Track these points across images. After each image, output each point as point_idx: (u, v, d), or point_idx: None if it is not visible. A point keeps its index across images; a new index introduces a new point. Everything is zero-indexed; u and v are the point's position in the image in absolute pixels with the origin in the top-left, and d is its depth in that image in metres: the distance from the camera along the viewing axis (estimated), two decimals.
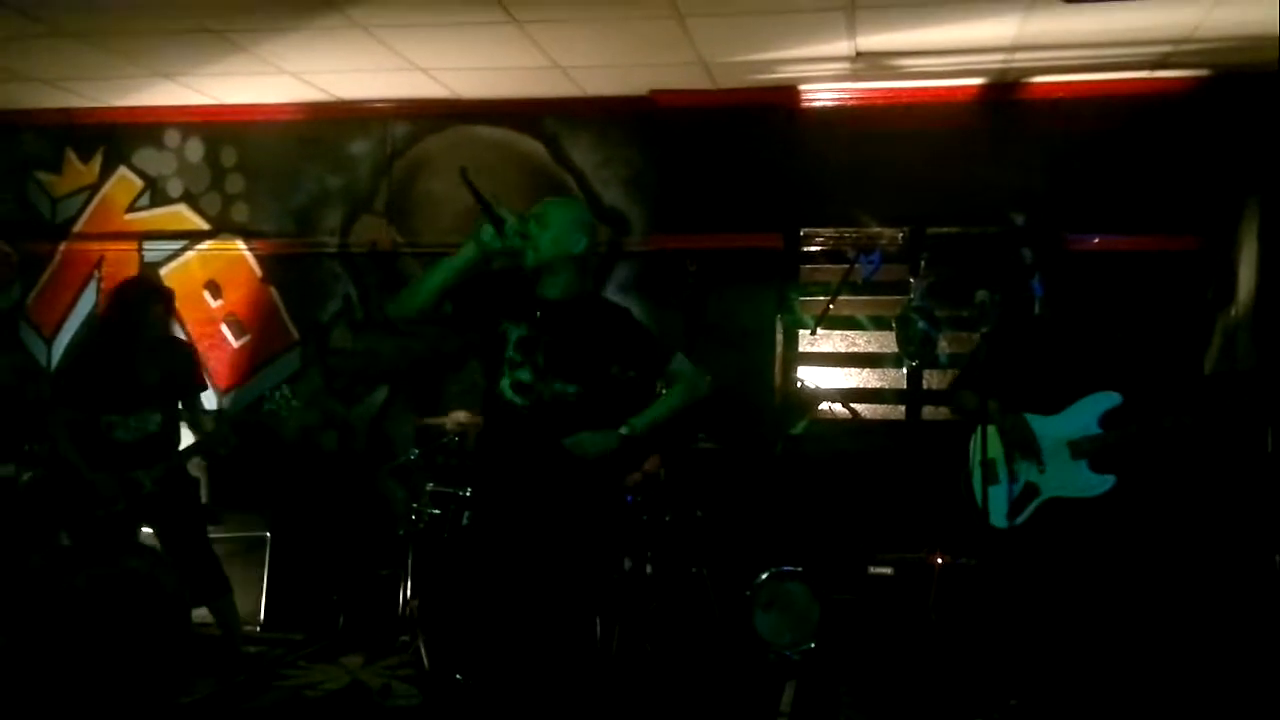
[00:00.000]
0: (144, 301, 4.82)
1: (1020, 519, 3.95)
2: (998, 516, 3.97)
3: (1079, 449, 3.92)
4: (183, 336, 6.51)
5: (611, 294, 6.23)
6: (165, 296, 4.96)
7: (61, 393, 4.82)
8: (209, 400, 6.68)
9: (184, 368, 4.98)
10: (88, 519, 4.62)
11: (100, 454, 4.67)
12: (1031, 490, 3.97)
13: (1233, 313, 5.50)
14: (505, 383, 3.50)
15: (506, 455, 3.54)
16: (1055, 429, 3.98)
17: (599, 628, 3.88)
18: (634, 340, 3.66)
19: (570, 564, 3.50)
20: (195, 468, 5.58)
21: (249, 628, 5.62)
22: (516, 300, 3.55)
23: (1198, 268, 5.55)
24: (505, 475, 3.54)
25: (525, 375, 3.49)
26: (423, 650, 4.75)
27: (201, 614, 4.93)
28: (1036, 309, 4.18)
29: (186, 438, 4.99)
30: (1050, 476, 3.96)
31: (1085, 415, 3.95)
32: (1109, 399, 3.93)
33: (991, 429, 4.02)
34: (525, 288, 3.55)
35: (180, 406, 4.94)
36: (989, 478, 4.02)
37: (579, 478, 3.49)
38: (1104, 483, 3.89)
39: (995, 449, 4.00)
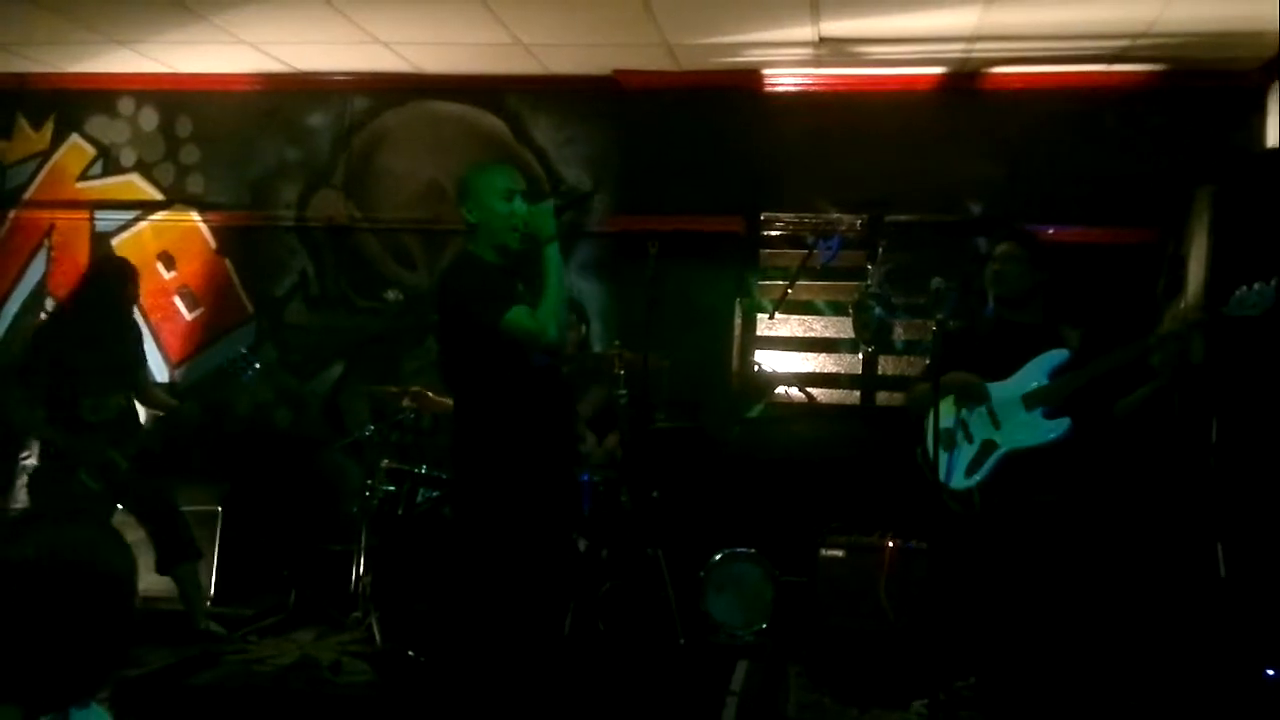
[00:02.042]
0: (120, 281, 4.88)
1: (979, 476, 3.99)
2: (957, 478, 4.00)
3: (1033, 399, 3.97)
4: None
5: (573, 274, 6.23)
6: (134, 275, 5.02)
7: (39, 381, 4.63)
8: (158, 373, 6.63)
9: (138, 347, 5.02)
10: (70, 493, 4.51)
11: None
12: (989, 446, 4.00)
13: (1182, 305, 5.58)
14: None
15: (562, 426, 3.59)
16: (1007, 390, 4.02)
17: (555, 608, 3.88)
18: None
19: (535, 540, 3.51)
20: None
21: None
22: (521, 275, 3.50)
23: (1152, 260, 5.63)
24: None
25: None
26: (375, 627, 4.76)
27: (164, 587, 4.87)
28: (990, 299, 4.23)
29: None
30: (1006, 430, 3.99)
31: (1036, 372, 4.00)
32: (1057, 355, 3.99)
33: (945, 402, 4.05)
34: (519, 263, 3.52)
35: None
36: (946, 444, 4.03)
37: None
38: (1059, 426, 3.92)
39: (950, 418, 4.05)
